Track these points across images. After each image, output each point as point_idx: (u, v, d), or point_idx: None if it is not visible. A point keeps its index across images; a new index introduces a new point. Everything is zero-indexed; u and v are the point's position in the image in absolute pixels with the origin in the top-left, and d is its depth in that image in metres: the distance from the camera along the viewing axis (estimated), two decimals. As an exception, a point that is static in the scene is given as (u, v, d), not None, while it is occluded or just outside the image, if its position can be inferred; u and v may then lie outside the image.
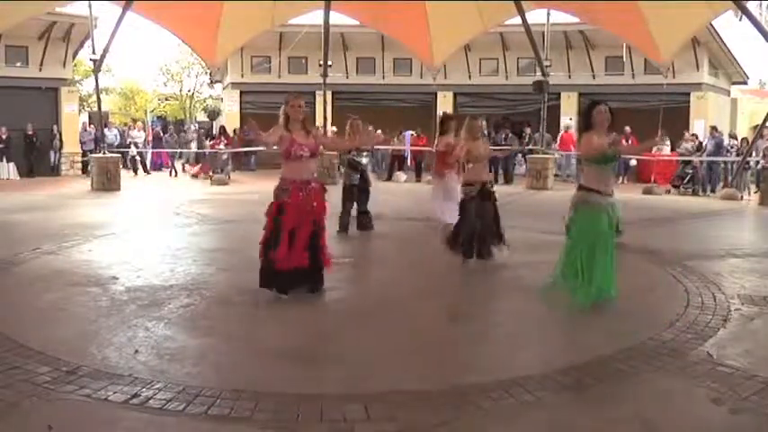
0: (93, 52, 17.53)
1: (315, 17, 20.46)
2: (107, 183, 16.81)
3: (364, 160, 10.17)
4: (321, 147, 6.56)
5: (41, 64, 21.14)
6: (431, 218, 9.52)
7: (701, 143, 19.69)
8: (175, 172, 22.89)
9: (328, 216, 6.71)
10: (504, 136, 21.71)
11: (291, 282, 6.29)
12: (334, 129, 19.15)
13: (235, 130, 23.35)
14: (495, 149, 12.07)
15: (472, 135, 8.10)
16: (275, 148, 6.39)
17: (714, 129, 20.06)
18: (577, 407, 4.09)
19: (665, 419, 3.89)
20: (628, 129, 18.73)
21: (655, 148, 20.07)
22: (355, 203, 10.13)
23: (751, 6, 16.11)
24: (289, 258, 6.17)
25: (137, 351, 4.88)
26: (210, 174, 20.51)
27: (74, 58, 23.14)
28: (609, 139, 5.96)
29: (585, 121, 6.16)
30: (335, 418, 3.84)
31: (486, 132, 19.29)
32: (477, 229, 7.90)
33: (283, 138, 6.25)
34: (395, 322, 5.84)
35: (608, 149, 5.93)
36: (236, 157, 22.65)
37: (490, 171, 19.68)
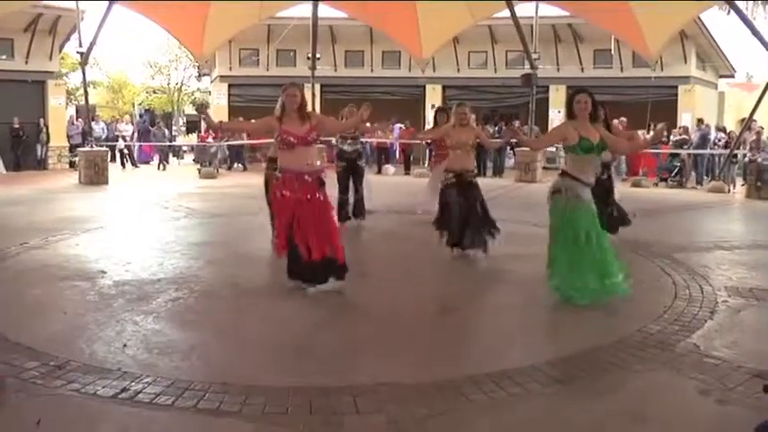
0: (80, 45, 17.39)
1: (303, 10, 20.41)
2: (95, 176, 16.71)
3: (348, 148, 10.16)
4: (316, 133, 6.38)
5: (27, 56, 20.96)
6: (424, 210, 9.56)
7: (685, 139, 19.74)
8: (164, 166, 22.78)
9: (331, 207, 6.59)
10: (497, 129, 21.76)
11: (313, 272, 6.30)
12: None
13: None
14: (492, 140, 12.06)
15: (457, 121, 8.03)
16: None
17: (700, 121, 20.17)
18: (566, 399, 4.11)
19: (653, 411, 3.92)
20: (616, 121, 18.76)
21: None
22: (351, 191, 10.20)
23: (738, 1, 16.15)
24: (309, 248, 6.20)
25: (125, 345, 4.87)
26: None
27: (60, 50, 22.95)
28: (595, 130, 5.92)
29: (568, 111, 6.11)
30: (325, 410, 3.85)
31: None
32: (459, 217, 7.87)
33: (272, 125, 6.26)
34: (384, 315, 5.85)
35: (571, 140, 5.87)
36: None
37: (478, 162, 19.80)
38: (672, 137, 19.92)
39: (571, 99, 6.02)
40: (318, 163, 6.37)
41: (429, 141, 15.65)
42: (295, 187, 6.16)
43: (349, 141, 10.13)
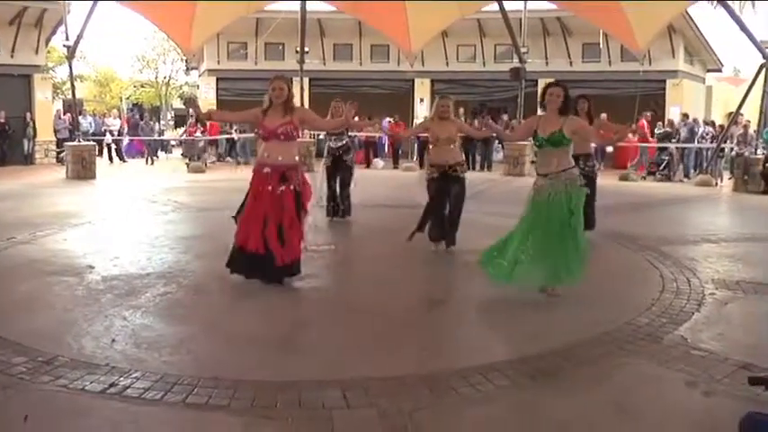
0: (67, 39, 17.26)
1: (291, 3, 20.37)
2: (82, 171, 16.60)
3: (333, 144, 10.13)
4: (293, 127, 6.32)
5: (13, 50, 20.74)
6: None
7: (668, 132, 19.83)
8: (152, 160, 22.67)
9: (309, 204, 6.59)
10: (485, 123, 21.78)
11: (249, 265, 6.29)
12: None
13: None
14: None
15: (437, 114, 7.85)
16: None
17: (685, 116, 20.27)
18: (554, 391, 4.13)
19: (640, 403, 3.95)
20: (604, 116, 18.82)
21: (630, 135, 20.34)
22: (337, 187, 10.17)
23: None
24: (246, 239, 6.21)
25: (114, 340, 4.85)
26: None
27: (47, 44, 22.76)
28: (561, 122, 5.93)
29: (541, 103, 6.14)
30: (314, 404, 3.85)
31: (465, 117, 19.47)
32: (439, 213, 7.81)
33: (256, 117, 6.25)
34: (372, 309, 5.85)
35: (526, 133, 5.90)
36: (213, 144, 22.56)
37: (467, 157, 19.79)
38: (656, 129, 20.04)
39: (543, 92, 6.09)
40: (280, 158, 6.19)
41: (419, 136, 15.67)
42: (258, 178, 6.20)
43: (334, 138, 10.11)
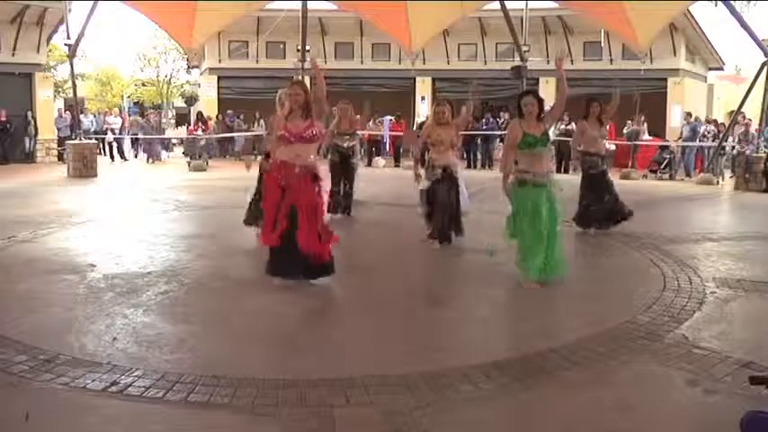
0: (68, 37, 17.25)
1: (293, 2, 20.35)
2: (84, 169, 16.61)
3: (342, 143, 10.17)
4: (316, 129, 6.38)
5: (14, 49, 20.75)
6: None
7: (636, 131, 19.81)
8: (152, 159, 22.63)
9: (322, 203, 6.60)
10: (485, 120, 21.79)
11: (279, 263, 6.30)
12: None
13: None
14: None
15: (435, 120, 8.13)
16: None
17: (689, 114, 20.26)
18: (555, 389, 4.13)
19: (641, 401, 3.95)
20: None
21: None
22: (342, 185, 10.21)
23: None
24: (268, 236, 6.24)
25: (115, 338, 4.86)
26: None
27: (48, 42, 22.76)
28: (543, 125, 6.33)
29: (518, 110, 6.46)
30: (315, 403, 3.85)
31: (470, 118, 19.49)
32: (448, 212, 8.06)
33: (278, 122, 6.32)
34: (373, 307, 5.86)
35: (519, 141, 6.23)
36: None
37: (467, 155, 19.80)
38: (624, 129, 20.05)
39: (518, 100, 6.49)
40: (312, 157, 6.32)
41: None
42: (284, 174, 6.18)
43: (346, 137, 10.15)
